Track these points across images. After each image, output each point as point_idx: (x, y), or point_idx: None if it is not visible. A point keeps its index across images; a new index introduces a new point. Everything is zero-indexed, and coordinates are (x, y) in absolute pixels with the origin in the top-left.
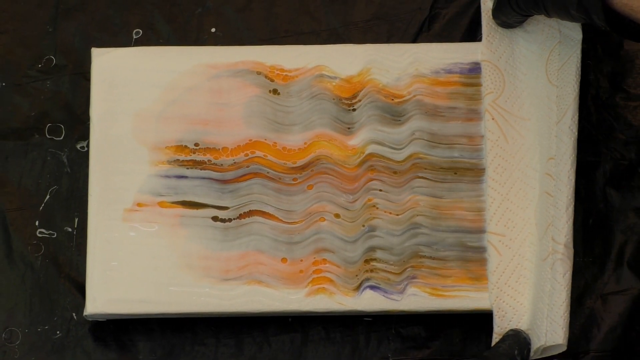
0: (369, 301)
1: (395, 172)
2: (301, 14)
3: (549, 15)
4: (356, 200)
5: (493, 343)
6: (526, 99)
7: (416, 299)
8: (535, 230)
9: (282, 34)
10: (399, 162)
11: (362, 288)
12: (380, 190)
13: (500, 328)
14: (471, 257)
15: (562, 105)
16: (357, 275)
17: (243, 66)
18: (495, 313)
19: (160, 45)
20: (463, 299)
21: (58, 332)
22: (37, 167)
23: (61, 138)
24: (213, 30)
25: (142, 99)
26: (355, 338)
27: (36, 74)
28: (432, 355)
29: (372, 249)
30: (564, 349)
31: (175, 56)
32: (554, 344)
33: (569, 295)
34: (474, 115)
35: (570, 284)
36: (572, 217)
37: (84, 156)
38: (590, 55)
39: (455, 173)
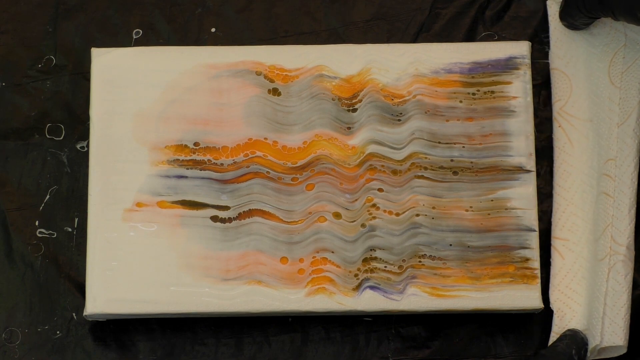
0: (369, 301)
1: (395, 172)
2: (301, 14)
3: (615, 18)
4: (356, 200)
5: (550, 342)
6: (586, 100)
7: (416, 299)
8: (592, 230)
9: (282, 34)
10: (398, 161)
11: (361, 288)
12: (380, 190)
13: (558, 327)
14: (471, 256)
15: (626, 107)
16: (356, 275)
17: (243, 66)
18: (555, 313)
19: (160, 45)
20: (463, 298)
21: (58, 332)
22: (37, 167)
23: (61, 138)
24: (213, 30)
25: (142, 99)
26: (355, 338)
27: (36, 74)
28: (432, 355)
29: (372, 248)
30: (624, 350)
31: (175, 56)
32: (613, 345)
33: (630, 297)
34: (473, 114)
35: (631, 285)
36: (634, 219)
37: (84, 156)
38: None
39: (455, 173)
